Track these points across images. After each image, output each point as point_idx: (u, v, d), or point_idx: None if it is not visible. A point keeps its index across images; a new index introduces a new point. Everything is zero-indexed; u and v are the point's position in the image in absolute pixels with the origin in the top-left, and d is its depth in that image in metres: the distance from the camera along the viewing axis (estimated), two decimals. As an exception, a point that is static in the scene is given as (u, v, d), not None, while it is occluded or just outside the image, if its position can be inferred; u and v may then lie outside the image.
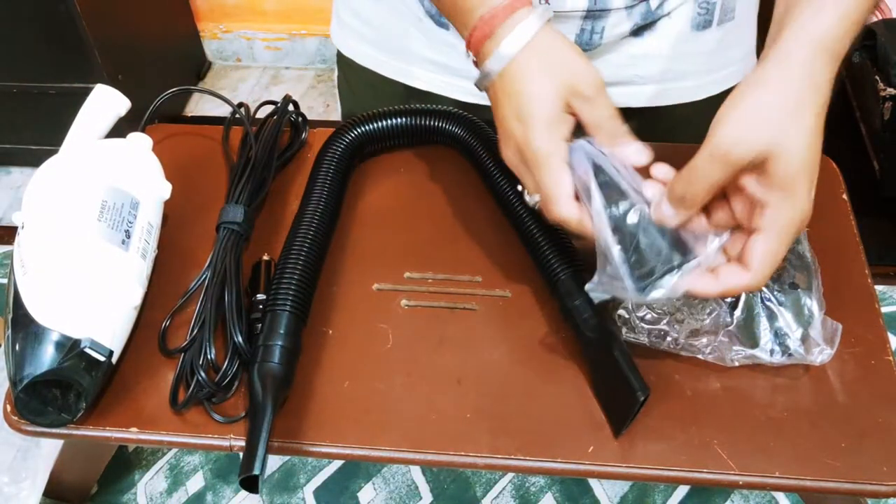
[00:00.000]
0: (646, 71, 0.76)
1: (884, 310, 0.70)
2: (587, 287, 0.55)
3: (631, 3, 0.69)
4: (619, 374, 0.54)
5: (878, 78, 1.36)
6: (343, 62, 0.85)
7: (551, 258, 0.61)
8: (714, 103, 0.80)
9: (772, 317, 0.58)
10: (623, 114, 0.78)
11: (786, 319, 0.57)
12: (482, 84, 0.59)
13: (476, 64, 0.60)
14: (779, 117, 0.50)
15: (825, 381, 0.59)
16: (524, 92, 0.56)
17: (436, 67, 0.78)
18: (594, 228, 0.54)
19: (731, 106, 0.51)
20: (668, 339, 0.59)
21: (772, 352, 0.57)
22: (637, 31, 0.72)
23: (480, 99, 0.80)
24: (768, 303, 0.58)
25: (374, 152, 0.74)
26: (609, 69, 0.75)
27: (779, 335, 0.57)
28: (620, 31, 0.71)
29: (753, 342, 0.58)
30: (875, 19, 1.44)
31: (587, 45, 0.72)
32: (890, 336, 0.62)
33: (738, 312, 0.58)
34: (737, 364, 0.58)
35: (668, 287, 0.53)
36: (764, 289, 0.58)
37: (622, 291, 0.53)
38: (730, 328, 0.58)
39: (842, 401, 0.58)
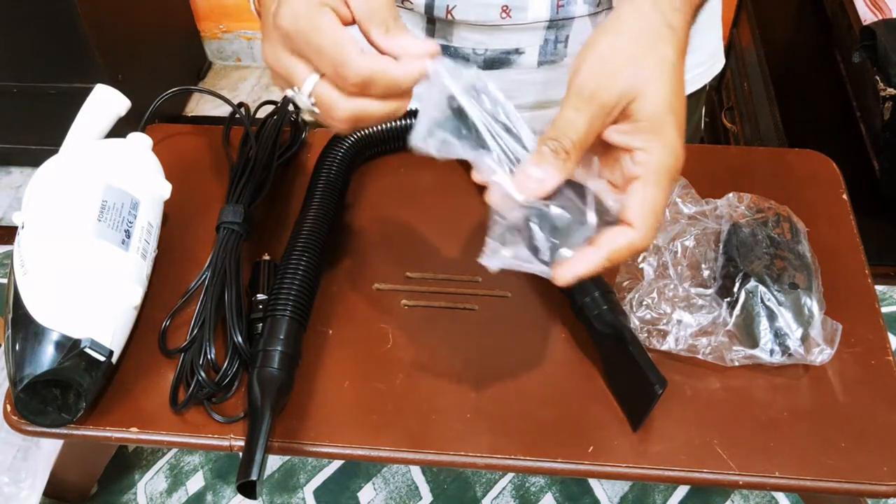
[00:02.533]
0: None
1: (884, 310, 0.70)
2: (484, 259, 0.50)
3: (594, 10, 0.69)
4: (635, 368, 0.54)
5: (878, 78, 1.36)
6: None
7: None
8: None
9: (772, 317, 0.58)
10: None
11: (786, 319, 0.57)
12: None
13: None
14: (638, 56, 0.47)
15: (825, 381, 0.59)
16: None
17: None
18: (491, 179, 0.48)
19: (588, 53, 0.48)
20: (668, 339, 0.59)
21: (772, 352, 0.57)
22: None
23: None
24: (768, 303, 0.58)
25: (376, 155, 0.74)
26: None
27: (779, 335, 0.57)
28: (585, 39, 0.71)
29: (753, 342, 0.58)
30: (875, 19, 1.44)
31: (553, 56, 0.72)
32: (890, 336, 0.62)
33: (737, 312, 0.58)
34: (737, 364, 0.58)
35: (548, 272, 0.49)
36: (764, 289, 0.58)
37: (526, 265, 0.50)
38: (729, 328, 0.58)
39: (842, 401, 0.58)
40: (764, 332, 0.58)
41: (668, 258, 0.62)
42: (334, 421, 0.57)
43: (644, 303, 0.60)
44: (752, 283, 0.58)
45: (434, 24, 0.71)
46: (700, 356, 0.58)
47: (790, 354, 0.57)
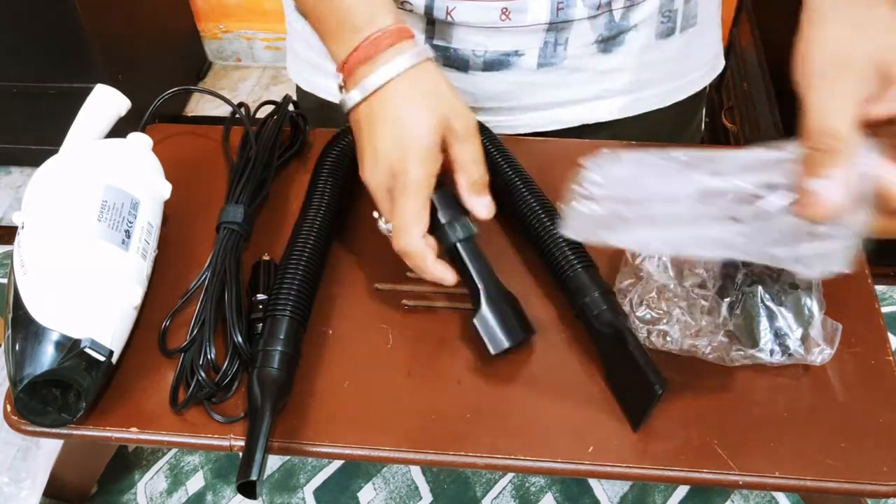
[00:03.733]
0: (613, 84, 0.75)
1: (884, 310, 0.70)
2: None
3: (594, 12, 0.69)
4: (635, 368, 0.54)
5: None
6: (302, 95, 0.85)
7: (561, 254, 0.61)
8: (680, 109, 0.81)
9: (772, 317, 0.58)
10: (592, 128, 0.78)
11: (786, 319, 0.57)
12: (348, 105, 0.59)
13: (343, 86, 0.59)
14: (864, 25, 0.46)
15: (825, 381, 0.59)
16: (403, 118, 0.56)
17: None
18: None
19: (808, 49, 0.47)
20: (668, 339, 0.59)
21: (772, 352, 0.57)
22: (604, 48, 0.72)
23: None
24: (768, 303, 0.58)
25: None
26: (577, 87, 0.75)
27: (779, 335, 0.57)
28: (585, 41, 0.71)
29: (753, 342, 0.58)
30: None
31: (552, 59, 0.72)
32: (890, 336, 0.62)
33: (737, 312, 0.58)
34: (737, 364, 0.58)
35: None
36: (763, 289, 0.58)
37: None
38: (729, 328, 0.58)
39: (842, 401, 0.58)
40: (764, 333, 0.58)
41: (668, 258, 0.62)
42: (334, 421, 0.57)
43: (644, 302, 0.60)
44: (752, 284, 0.58)
45: (433, 25, 0.71)
46: (700, 356, 0.58)
47: (790, 354, 0.57)
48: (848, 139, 0.44)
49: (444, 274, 0.57)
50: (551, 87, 0.75)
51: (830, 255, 0.46)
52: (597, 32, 0.70)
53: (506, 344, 0.58)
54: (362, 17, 0.57)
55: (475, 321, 0.58)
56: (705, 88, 0.84)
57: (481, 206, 0.59)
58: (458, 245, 0.59)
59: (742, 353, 0.58)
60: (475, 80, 0.73)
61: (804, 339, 0.57)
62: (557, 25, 0.69)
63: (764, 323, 0.58)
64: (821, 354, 0.57)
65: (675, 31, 0.74)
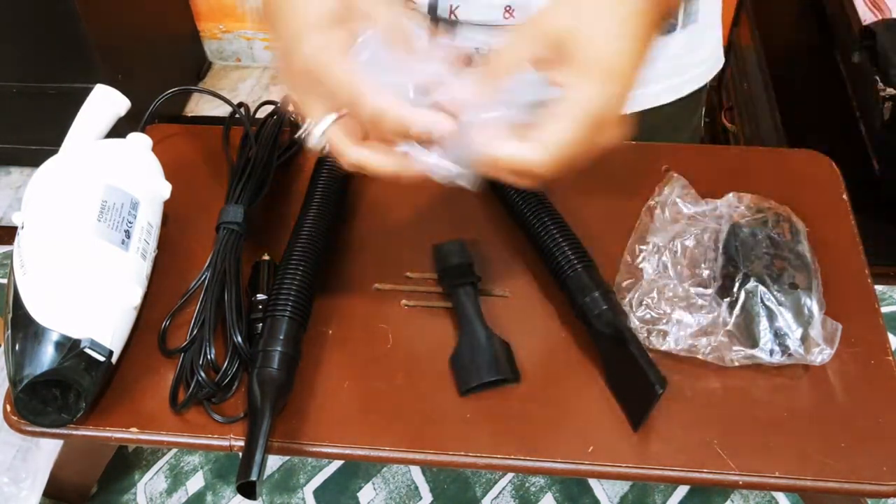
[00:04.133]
0: None
1: (884, 310, 0.70)
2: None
3: None
4: (636, 368, 0.55)
5: (878, 78, 1.36)
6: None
7: (560, 254, 0.61)
8: (681, 106, 0.81)
9: (771, 317, 0.58)
10: None
11: (785, 319, 0.57)
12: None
13: None
14: (588, 4, 0.47)
15: (825, 381, 0.59)
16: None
17: None
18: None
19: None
20: (668, 339, 0.59)
21: (771, 352, 0.57)
22: None
23: None
24: (768, 303, 0.58)
25: None
26: None
27: (779, 335, 0.57)
28: None
29: (753, 342, 0.58)
30: (875, 19, 1.44)
31: None
32: (890, 336, 0.62)
33: (737, 312, 0.58)
34: (736, 364, 0.58)
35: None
36: (763, 289, 0.58)
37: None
38: (729, 328, 0.58)
39: (842, 401, 0.58)
40: (764, 332, 0.58)
41: (668, 258, 0.62)
42: (334, 421, 0.57)
43: (644, 302, 0.60)
44: (751, 283, 0.58)
45: (437, 23, 0.71)
46: (700, 356, 0.58)
47: (790, 354, 0.57)
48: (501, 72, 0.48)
49: (432, 118, 0.49)
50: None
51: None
52: None
53: (472, 383, 0.58)
54: None
55: (450, 360, 0.60)
56: (706, 86, 0.84)
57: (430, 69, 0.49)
58: (452, 290, 0.62)
59: (742, 353, 0.58)
60: None
61: (804, 339, 0.57)
62: None
63: (764, 323, 0.58)
64: (821, 354, 0.57)
65: (677, 27, 0.74)
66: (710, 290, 0.60)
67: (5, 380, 0.55)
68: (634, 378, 0.55)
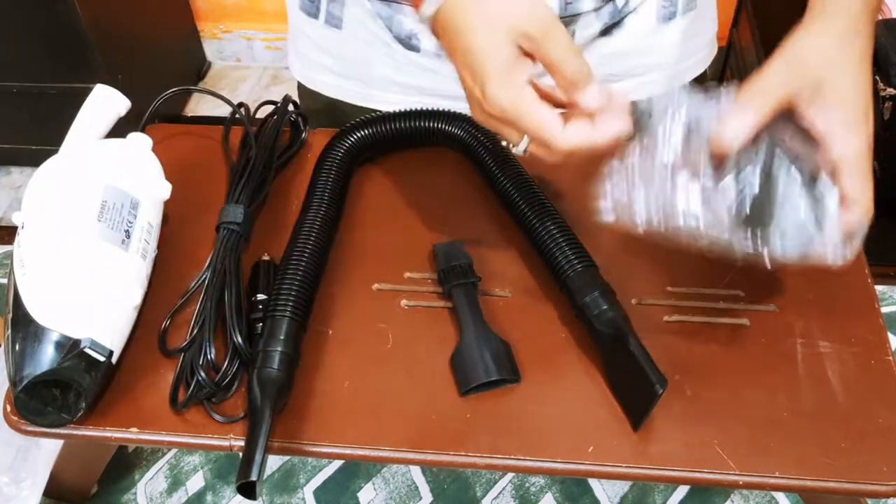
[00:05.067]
0: (618, 68, 0.76)
1: (884, 310, 0.70)
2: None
3: (599, 4, 0.70)
4: (636, 367, 0.55)
5: (878, 78, 1.36)
6: (304, 93, 0.85)
7: (561, 254, 0.61)
8: None
9: (792, 196, 0.53)
10: None
11: (807, 203, 0.53)
12: (430, 28, 0.57)
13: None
14: (826, 50, 0.53)
15: (825, 381, 0.59)
16: (471, 47, 0.53)
17: (408, 90, 0.78)
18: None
19: (783, 47, 0.54)
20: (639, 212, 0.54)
21: (783, 234, 0.52)
22: (606, 31, 0.73)
23: None
24: (794, 177, 0.53)
25: (376, 155, 0.74)
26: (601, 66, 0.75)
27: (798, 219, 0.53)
28: (590, 32, 0.72)
29: (769, 219, 0.52)
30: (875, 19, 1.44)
31: None
32: (890, 336, 0.62)
33: (758, 173, 0.53)
34: (738, 254, 0.52)
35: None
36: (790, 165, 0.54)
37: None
38: (743, 209, 0.52)
39: (842, 401, 0.58)
40: (782, 208, 0.53)
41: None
42: (334, 421, 0.57)
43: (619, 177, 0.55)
44: (778, 151, 0.53)
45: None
46: (696, 238, 0.53)
47: (806, 244, 0.53)
48: (764, 104, 0.52)
49: (617, 126, 0.53)
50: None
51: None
52: (601, 22, 0.72)
53: (472, 383, 0.58)
54: None
55: (450, 360, 0.60)
56: (705, 72, 0.85)
57: (588, 98, 0.52)
58: (452, 290, 0.62)
59: (749, 239, 0.52)
60: None
61: (820, 229, 0.53)
62: (566, 19, 0.70)
63: (785, 193, 0.53)
64: (835, 252, 0.53)
65: (677, 14, 0.75)
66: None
67: (5, 380, 0.55)
68: (634, 378, 0.55)
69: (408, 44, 0.74)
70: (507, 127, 0.54)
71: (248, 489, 0.51)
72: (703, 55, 0.82)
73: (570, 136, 0.52)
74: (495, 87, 0.52)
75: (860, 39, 0.54)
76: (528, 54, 0.53)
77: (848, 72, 0.53)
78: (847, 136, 0.53)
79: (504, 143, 0.56)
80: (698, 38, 0.80)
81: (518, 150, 0.55)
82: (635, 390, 0.56)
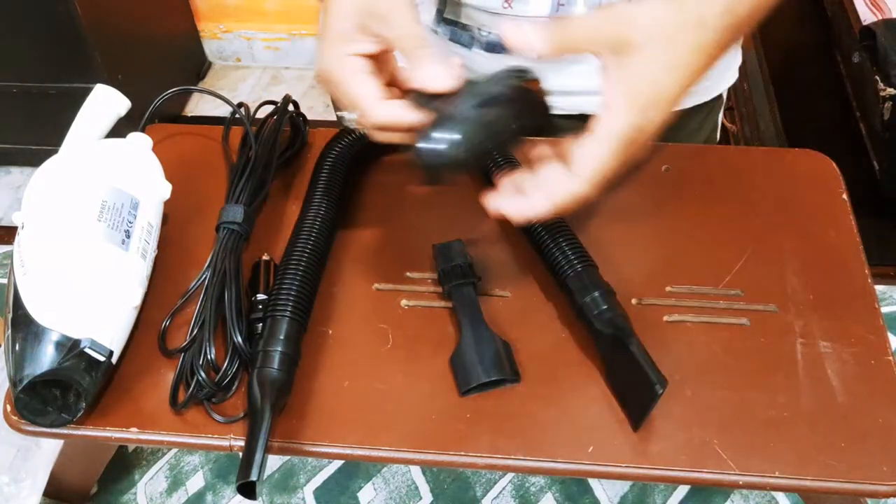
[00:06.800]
0: None
1: (884, 310, 0.70)
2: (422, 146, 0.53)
3: (592, 10, 0.69)
4: (636, 367, 0.55)
5: (878, 78, 1.36)
6: None
7: (561, 254, 0.61)
8: (686, 117, 0.81)
9: None
10: (591, 119, 0.79)
11: None
12: None
13: None
14: (650, 18, 0.49)
15: (825, 381, 0.59)
16: (327, 11, 0.55)
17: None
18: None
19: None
20: None
21: None
22: None
23: None
24: None
25: (376, 155, 0.74)
26: (576, 77, 0.75)
27: None
28: None
29: None
30: (875, 19, 1.44)
31: None
32: (890, 336, 0.62)
33: None
34: None
35: None
36: None
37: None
38: None
39: (842, 401, 0.58)
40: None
41: None
42: (334, 421, 0.57)
43: None
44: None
45: (445, 1, 0.72)
46: None
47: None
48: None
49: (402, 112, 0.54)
50: (550, 75, 0.75)
51: None
52: None
53: (472, 383, 0.58)
54: None
55: (450, 360, 0.60)
56: (720, 95, 0.83)
57: (430, 76, 0.53)
58: (452, 290, 0.62)
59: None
60: (477, 58, 0.75)
61: None
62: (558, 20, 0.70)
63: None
64: None
65: None
66: None
67: (5, 380, 0.55)
68: (634, 378, 0.55)
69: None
70: (336, 93, 0.55)
71: (248, 489, 0.51)
72: (710, 84, 0.80)
73: (383, 111, 0.53)
74: (325, 52, 0.55)
75: (704, 33, 0.49)
76: (372, 34, 0.54)
77: (661, 54, 0.49)
78: (621, 111, 0.49)
79: (339, 115, 0.57)
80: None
81: (348, 117, 0.57)
82: (635, 390, 0.56)
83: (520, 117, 0.54)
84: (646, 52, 0.48)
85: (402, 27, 0.54)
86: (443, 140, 0.52)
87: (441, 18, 0.73)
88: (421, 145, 0.52)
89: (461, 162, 0.53)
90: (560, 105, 0.79)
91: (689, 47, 0.49)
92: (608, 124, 0.50)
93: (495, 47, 0.73)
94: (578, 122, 0.79)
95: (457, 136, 0.52)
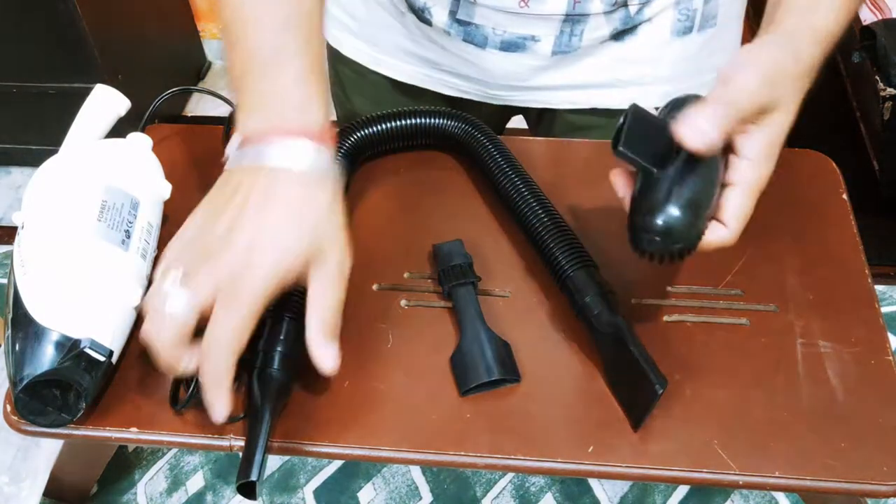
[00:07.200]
0: (626, 75, 0.76)
1: (884, 310, 0.70)
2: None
3: (610, 8, 0.70)
4: (636, 368, 0.55)
5: (878, 78, 1.36)
6: (331, 54, 0.86)
7: (560, 254, 0.61)
8: None
9: None
10: (601, 113, 0.79)
11: None
12: (238, 159, 0.53)
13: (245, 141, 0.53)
14: (787, 78, 0.52)
15: (825, 381, 0.59)
16: (280, 216, 0.50)
17: (419, 61, 0.79)
18: None
19: (749, 55, 0.53)
20: None
21: None
22: (618, 36, 0.73)
23: (463, 94, 0.81)
24: None
25: (376, 155, 0.74)
26: (589, 71, 0.76)
27: None
28: (600, 34, 0.72)
29: None
30: (875, 19, 1.44)
31: (566, 48, 0.73)
32: (890, 336, 0.62)
33: None
34: None
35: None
36: None
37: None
38: None
39: (842, 401, 0.58)
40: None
41: None
42: (334, 421, 0.57)
43: None
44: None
45: (459, 2, 0.72)
46: None
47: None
48: (735, 122, 0.51)
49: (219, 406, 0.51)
50: (565, 70, 0.76)
51: None
52: (612, 26, 0.72)
53: (472, 383, 0.58)
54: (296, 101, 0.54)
55: (450, 360, 0.60)
56: None
57: (327, 357, 0.52)
58: (452, 290, 0.63)
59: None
60: (491, 58, 0.75)
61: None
62: (574, 18, 0.70)
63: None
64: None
65: (693, 29, 0.75)
66: None
67: (5, 380, 0.55)
68: (634, 378, 0.55)
69: (420, 15, 0.74)
70: (201, 276, 0.50)
71: (248, 489, 0.51)
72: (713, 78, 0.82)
73: (218, 365, 0.50)
74: (267, 273, 0.50)
75: (811, 76, 0.54)
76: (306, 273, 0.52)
77: (792, 107, 0.53)
78: (761, 164, 0.53)
79: (167, 283, 0.51)
80: (715, 56, 0.79)
81: (167, 289, 0.51)
82: (635, 390, 0.56)
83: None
84: (782, 109, 0.52)
85: (339, 294, 0.52)
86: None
87: (454, 19, 0.73)
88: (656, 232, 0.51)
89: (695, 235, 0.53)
90: (571, 99, 0.79)
91: (802, 95, 0.53)
92: (751, 176, 0.52)
93: (510, 46, 0.73)
94: (590, 118, 0.79)
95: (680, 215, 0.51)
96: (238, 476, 0.51)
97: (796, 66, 0.52)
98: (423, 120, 0.72)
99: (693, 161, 0.52)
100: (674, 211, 0.51)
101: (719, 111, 0.50)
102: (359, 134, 0.71)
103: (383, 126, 0.71)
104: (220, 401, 0.51)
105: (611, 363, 0.59)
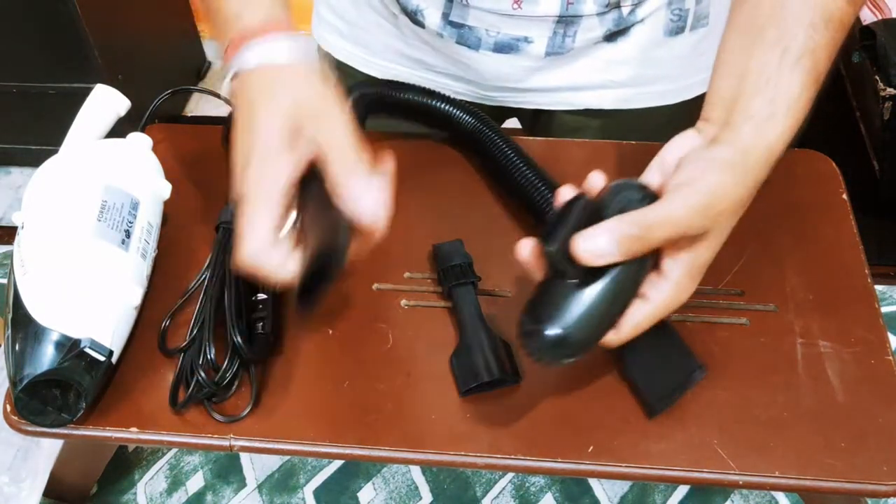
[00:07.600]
0: (618, 75, 0.76)
1: (884, 310, 0.70)
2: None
3: (603, 10, 0.70)
4: (671, 353, 0.54)
5: (878, 78, 1.36)
6: (322, 58, 0.86)
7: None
8: (687, 108, 0.81)
9: None
10: (594, 114, 0.79)
11: None
12: (226, 87, 0.56)
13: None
14: (726, 211, 0.50)
15: (825, 381, 0.59)
16: (254, 105, 0.53)
17: (411, 63, 0.79)
18: None
19: (697, 170, 0.50)
20: None
21: None
22: (611, 37, 0.73)
23: (456, 95, 0.81)
24: None
25: (380, 110, 0.73)
26: (582, 73, 0.76)
27: None
28: (593, 35, 0.72)
29: None
30: (875, 19, 1.44)
31: (560, 49, 0.73)
32: (890, 336, 0.62)
33: None
34: None
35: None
36: None
37: None
38: None
39: (842, 401, 0.58)
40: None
41: None
42: (334, 421, 0.57)
43: None
44: None
45: (452, 3, 0.72)
46: None
47: None
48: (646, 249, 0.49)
49: (287, 272, 0.51)
50: (558, 71, 0.76)
51: None
52: (605, 27, 0.72)
53: (472, 383, 0.58)
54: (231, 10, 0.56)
55: (450, 360, 0.60)
56: None
57: (367, 204, 0.52)
58: (452, 290, 0.62)
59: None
60: (484, 59, 0.75)
61: None
62: (567, 19, 0.70)
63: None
64: None
65: (685, 29, 0.75)
66: None
67: (5, 380, 0.55)
68: (666, 364, 0.54)
69: (413, 18, 0.74)
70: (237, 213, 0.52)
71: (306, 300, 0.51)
72: (710, 75, 0.81)
73: (245, 254, 0.50)
74: (259, 161, 0.51)
75: (752, 196, 0.51)
76: (309, 138, 0.52)
77: (721, 239, 0.51)
78: (680, 286, 0.51)
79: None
80: (707, 56, 0.79)
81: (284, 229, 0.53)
82: (663, 376, 0.55)
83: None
84: (711, 238, 0.50)
85: (335, 131, 0.52)
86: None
87: (447, 21, 0.73)
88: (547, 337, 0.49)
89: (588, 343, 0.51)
90: (565, 100, 0.79)
91: (739, 216, 0.51)
92: (667, 298, 0.51)
93: (503, 48, 0.73)
94: (584, 118, 0.79)
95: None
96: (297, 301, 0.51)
97: (740, 197, 0.50)
98: (428, 99, 0.71)
99: (610, 267, 0.49)
100: (572, 330, 0.48)
101: (627, 233, 0.48)
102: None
103: (387, 92, 0.71)
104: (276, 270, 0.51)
105: (633, 349, 0.57)
